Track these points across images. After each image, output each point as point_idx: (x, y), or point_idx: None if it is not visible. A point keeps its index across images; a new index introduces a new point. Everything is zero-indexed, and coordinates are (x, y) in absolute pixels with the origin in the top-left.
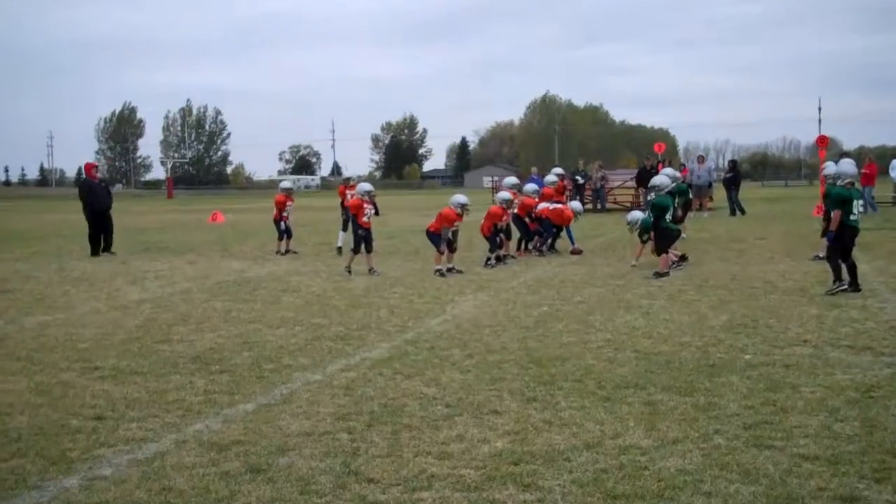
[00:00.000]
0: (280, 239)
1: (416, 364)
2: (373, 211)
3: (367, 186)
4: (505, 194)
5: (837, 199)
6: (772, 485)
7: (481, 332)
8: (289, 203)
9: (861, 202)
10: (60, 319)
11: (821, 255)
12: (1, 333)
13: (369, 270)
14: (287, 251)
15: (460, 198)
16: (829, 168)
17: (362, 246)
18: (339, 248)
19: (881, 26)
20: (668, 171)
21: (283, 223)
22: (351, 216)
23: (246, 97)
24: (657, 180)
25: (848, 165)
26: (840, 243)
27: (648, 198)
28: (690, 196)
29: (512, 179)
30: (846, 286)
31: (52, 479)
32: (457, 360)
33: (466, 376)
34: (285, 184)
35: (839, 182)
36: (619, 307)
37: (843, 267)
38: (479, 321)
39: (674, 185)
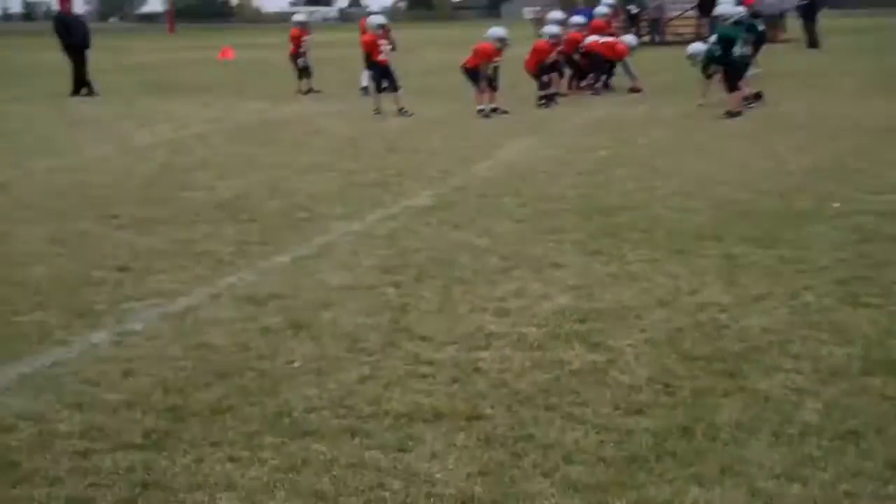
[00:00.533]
0: (300, 78)
1: (464, 213)
2: (389, 47)
3: (379, 19)
4: (553, 28)
5: None
6: (868, 346)
7: (535, 178)
8: (305, 37)
9: None
10: (68, 164)
11: None
12: (5, 178)
13: (399, 111)
14: (309, 90)
15: (498, 31)
16: None
17: (385, 84)
18: (365, 88)
19: None
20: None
21: (301, 60)
22: (365, 54)
23: None
24: (721, 9)
25: None
26: None
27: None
28: (762, 30)
29: (558, 14)
30: None
31: (78, 333)
32: (510, 209)
33: (521, 226)
34: (299, 16)
35: None
36: (687, 151)
37: None
38: (532, 166)
39: (741, 14)
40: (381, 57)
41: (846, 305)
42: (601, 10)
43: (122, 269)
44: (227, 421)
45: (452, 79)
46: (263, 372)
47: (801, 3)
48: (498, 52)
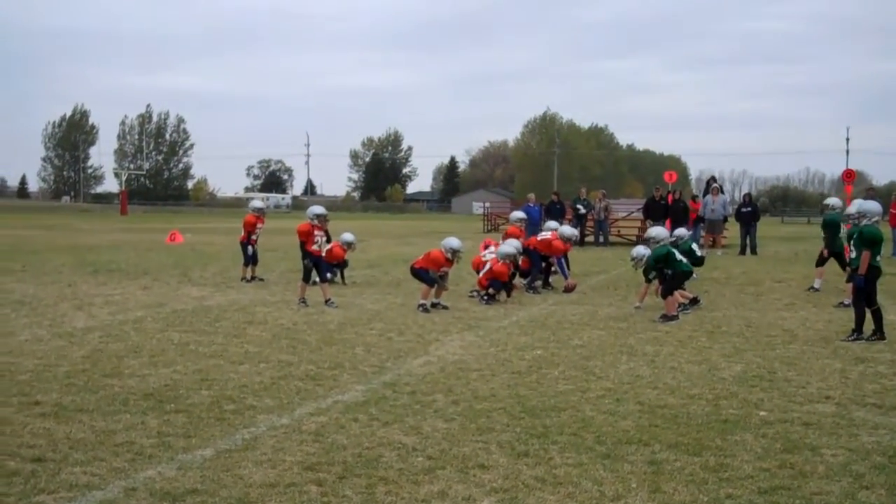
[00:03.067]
0: (246, 265)
1: (394, 410)
2: (324, 238)
3: (317, 210)
4: (509, 250)
5: (868, 239)
6: None
7: (468, 376)
8: (259, 225)
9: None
10: None
11: (846, 303)
12: None
13: (326, 302)
14: (253, 278)
15: (453, 242)
16: (854, 206)
17: (314, 275)
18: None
19: None
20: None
21: (250, 247)
22: (299, 243)
23: (212, 104)
24: (652, 232)
25: (872, 203)
26: (869, 287)
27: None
28: (700, 256)
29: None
30: (864, 338)
31: None
32: (440, 407)
33: (451, 425)
34: (256, 203)
35: (865, 221)
36: (621, 353)
37: (867, 315)
38: (466, 364)
39: (673, 238)
40: (314, 247)
41: None
42: (516, 215)
43: (37, 459)
44: None
45: (396, 271)
46: None
47: (745, 209)
48: (448, 262)
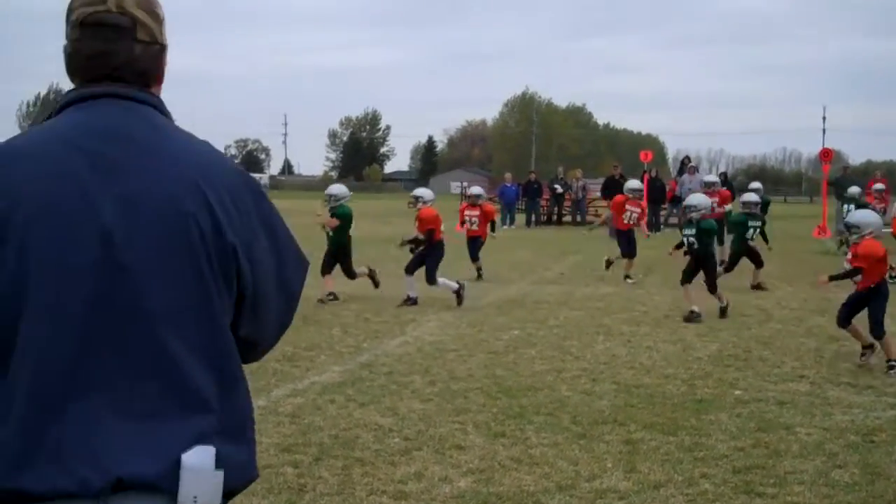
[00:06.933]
0: None
1: (371, 391)
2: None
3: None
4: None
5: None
6: None
7: (445, 356)
8: None
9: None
10: None
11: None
12: None
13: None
14: None
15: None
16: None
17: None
18: None
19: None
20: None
21: None
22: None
23: (187, 82)
24: (693, 200)
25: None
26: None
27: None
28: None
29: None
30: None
31: None
32: (417, 388)
33: (427, 406)
34: None
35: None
36: (598, 333)
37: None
38: (443, 344)
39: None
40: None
41: (742, 494)
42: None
43: None
44: None
45: (374, 251)
46: None
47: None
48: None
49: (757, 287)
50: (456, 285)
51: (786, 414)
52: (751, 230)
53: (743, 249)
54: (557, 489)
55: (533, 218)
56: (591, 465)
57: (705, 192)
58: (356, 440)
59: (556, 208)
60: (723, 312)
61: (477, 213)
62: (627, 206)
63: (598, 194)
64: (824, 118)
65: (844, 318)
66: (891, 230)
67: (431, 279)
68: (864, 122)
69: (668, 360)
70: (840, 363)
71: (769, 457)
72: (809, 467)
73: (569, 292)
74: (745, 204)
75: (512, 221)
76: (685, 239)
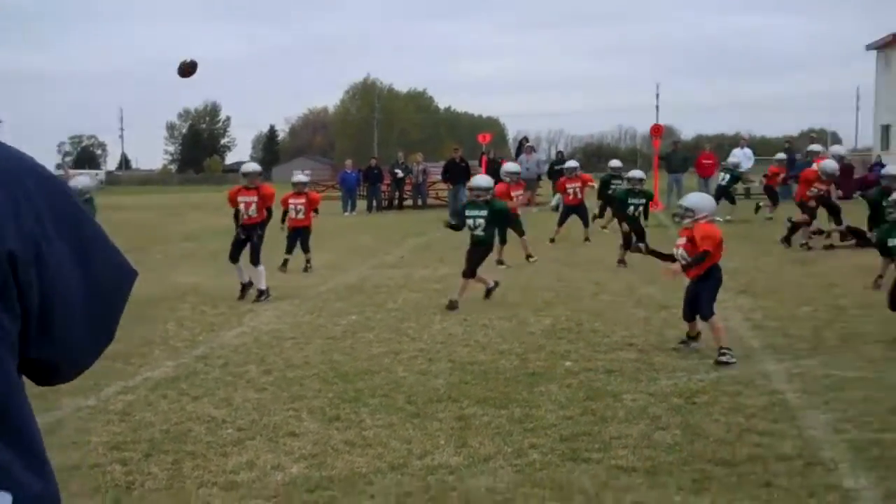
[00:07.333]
0: None
1: (205, 383)
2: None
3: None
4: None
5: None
6: (586, 501)
7: (282, 344)
8: None
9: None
10: None
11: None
12: None
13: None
14: None
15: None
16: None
17: None
18: None
19: (734, 8)
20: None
21: None
22: None
23: (11, 78)
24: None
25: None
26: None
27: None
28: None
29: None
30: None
31: None
32: (252, 378)
33: (262, 395)
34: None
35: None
36: (435, 314)
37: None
38: (281, 333)
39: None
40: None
41: (568, 461)
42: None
43: None
44: None
45: (213, 243)
46: None
47: (558, 167)
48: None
49: (621, 263)
50: (264, 286)
51: (613, 381)
52: (631, 207)
53: (632, 226)
54: (389, 468)
55: (374, 203)
56: (424, 443)
57: (566, 180)
58: (188, 434)
59: (396, 193)
60: (488, 293)
61: (302, 201)
62: (512, 192)
63: (439, 177)
64: (658, 95)
65: (691, 315)
66: None
67: (256, 260)
68: (695, 97)
69: (503, 337)
70: (668, 330)
71: (595, 423)
72: (634, 431)
73: (408, 275)
74: (629, 180)
75: (353, 208)
76: (472, 220)
